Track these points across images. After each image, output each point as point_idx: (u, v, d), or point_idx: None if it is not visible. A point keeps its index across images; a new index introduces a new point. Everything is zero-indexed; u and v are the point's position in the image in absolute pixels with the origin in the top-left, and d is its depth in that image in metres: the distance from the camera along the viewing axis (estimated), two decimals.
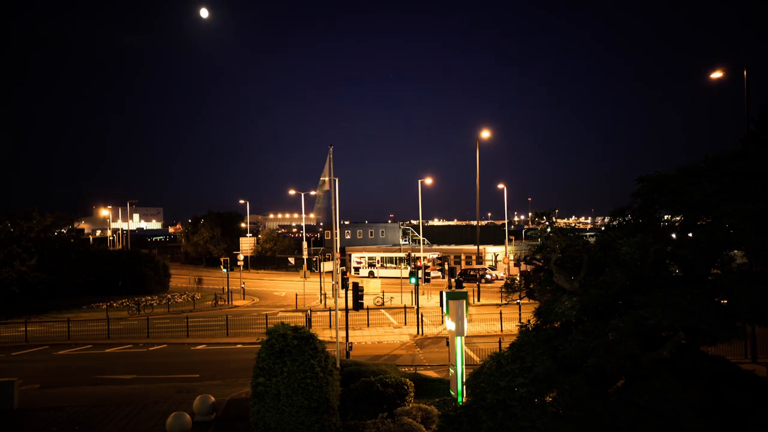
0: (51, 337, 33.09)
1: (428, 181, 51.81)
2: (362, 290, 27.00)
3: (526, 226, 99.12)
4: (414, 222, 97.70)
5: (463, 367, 13.29)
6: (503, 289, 11.73)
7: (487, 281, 54.03)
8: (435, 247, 74.24)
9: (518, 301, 30.85)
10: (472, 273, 54.12)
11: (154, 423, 15.63)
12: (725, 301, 8.07)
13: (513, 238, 77.44)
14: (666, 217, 9.93)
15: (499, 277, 56.10)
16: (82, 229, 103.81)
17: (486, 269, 58.06)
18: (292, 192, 64.77)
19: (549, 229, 10.56)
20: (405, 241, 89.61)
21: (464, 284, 41.38)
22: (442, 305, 21.09)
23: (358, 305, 26.35)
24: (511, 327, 28.67)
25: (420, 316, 32.40)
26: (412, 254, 50.37)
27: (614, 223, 10.22)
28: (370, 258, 63.51)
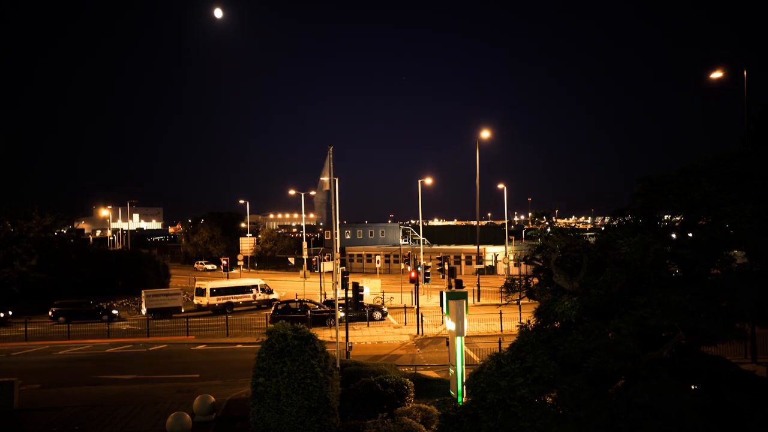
0: (51, 337, 33.10)
1: (428, 181, 51.82)
2: (362, 290, 27.02)
3: (526, 226, 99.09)
4: (414, 222, 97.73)
5: (463, 367, 13.29)
6: (503, 289, 11.72)
7: None
8: (435, 247, 74.26)
9: (518, 301, 30.87)
10: None
11: (154, 423, 15.62)
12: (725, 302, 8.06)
13: (513, 238, 77.43)
14: (666, 217, 9.93)
15: None
16: (82, 229, 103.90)
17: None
18: (292, 192, 64.66)
19: (549, 229, 10.57)
20: (405, 241, 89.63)
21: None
22: (442, 305, 21.09)
23: (357, 305, 26.36)
24: (511, 327, 28.67)
25: (420, 316, 32.40)
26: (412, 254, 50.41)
27: (614, 223, 10.23)
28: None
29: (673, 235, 9.36)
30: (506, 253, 61.53)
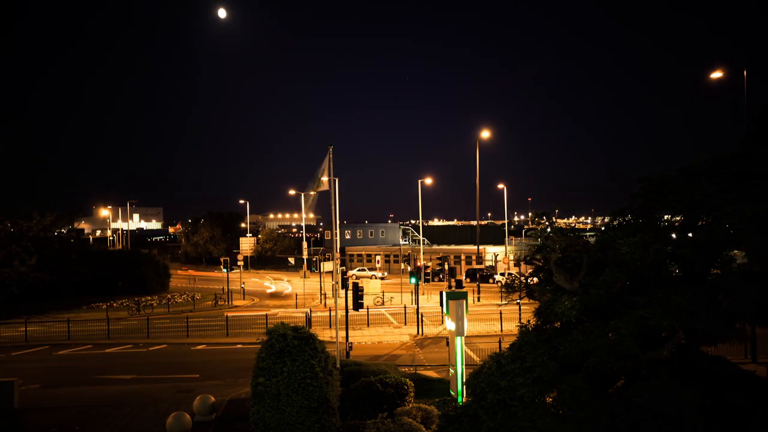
0: (51, 337, 33.08)
1: (428, 181, 51.94)
2: (362, 290, 27.00)
3: (526, 226, 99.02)
4: (414, 222, 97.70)
5: (463, 367, 13.28)
6: (503, 289, 11.71)
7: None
8: (435, 247, 74.22)
9: (518, 301, 30.84)
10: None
11: (154, 423, 15.62)
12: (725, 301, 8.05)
13: (513, 238, 77.37)
14: (666, 217, 9.92)
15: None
16: (82, 229, 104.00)
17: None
18: (292, 192, 64.73)
19: (549, 229, 10.56)
20: (405, 241, 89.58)
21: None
22: (442, 305, 21.08)
23: (357, 305, 26.34)
24: (511, 327, 28.64)
25: (420, 316, 32.40)
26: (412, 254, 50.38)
27: (614, 223, 10.22)
28: None
29: (673, 235, 9.35)
30: (506, 253, 61.51)
